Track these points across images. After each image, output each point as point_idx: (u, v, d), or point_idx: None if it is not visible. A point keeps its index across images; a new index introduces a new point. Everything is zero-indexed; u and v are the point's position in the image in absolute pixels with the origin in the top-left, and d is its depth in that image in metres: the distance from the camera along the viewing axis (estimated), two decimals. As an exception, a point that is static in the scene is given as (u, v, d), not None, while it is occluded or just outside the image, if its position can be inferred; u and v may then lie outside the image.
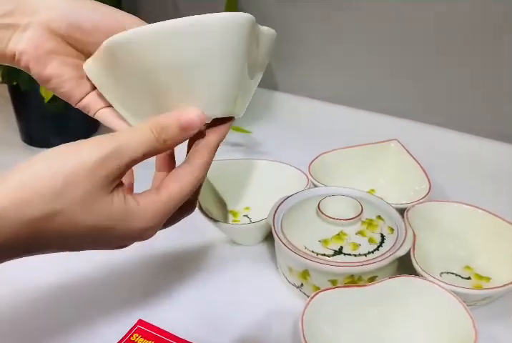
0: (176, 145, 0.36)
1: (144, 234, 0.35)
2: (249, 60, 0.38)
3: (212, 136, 0.38)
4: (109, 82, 0.40)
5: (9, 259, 0.32)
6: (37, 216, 0.30)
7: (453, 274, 0.60)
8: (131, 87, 0.38)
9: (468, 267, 0.61)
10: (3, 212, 0.29)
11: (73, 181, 0.30)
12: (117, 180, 0.33)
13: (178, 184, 0.35)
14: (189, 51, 0.34)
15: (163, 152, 0.36)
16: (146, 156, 0.34)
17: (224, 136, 0.39)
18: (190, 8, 0.97)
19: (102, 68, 0.39)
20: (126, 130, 0.34)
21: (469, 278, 0.60)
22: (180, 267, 0.63)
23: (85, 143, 0.32)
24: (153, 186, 0.41)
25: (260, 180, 0.73)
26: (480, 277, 0.59)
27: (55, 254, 0.34)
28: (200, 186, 0.40)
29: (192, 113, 0.35)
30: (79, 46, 0.41)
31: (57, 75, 0.40)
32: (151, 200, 0.34)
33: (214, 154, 0.38)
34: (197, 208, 0.61)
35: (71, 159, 0.31)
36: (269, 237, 0.66)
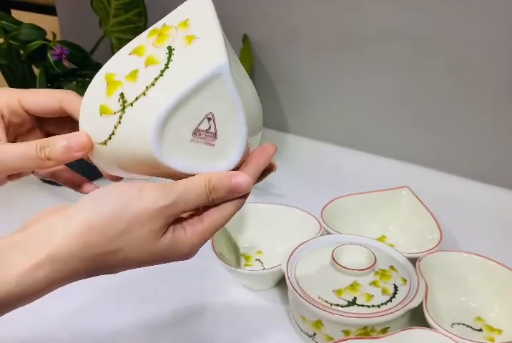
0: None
1: (189, 255, 0.39)
2: None
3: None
4: None
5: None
6: (100, 254, 0.34)
7: (464, 325, 0.60)
8: None
9: (479, 318, 0.61)
10: (69, 255, 0.33)
11: (135, 224, 0.35)
12: (170, 224, 0.37)
13: (220, 214, 0.39)
14: None
15: None
16: (195, 208, 0.37)
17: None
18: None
19: None
20: (183, 182, 0.37)
21: (480, 330, 0.60)
22: (190, 311, 0.64)
23: (148, 190, 0.35)
24: None
25: (273, 224, 0.74)
26: (491, 329, 0.60)
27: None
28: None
29: (242, 179, 0.38)
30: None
31: None
32: (197, 229, 0.38)
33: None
34: (210, 252, 0.63)
35: (135, 204, 0.35)
36: (281, 282, 0.66)
